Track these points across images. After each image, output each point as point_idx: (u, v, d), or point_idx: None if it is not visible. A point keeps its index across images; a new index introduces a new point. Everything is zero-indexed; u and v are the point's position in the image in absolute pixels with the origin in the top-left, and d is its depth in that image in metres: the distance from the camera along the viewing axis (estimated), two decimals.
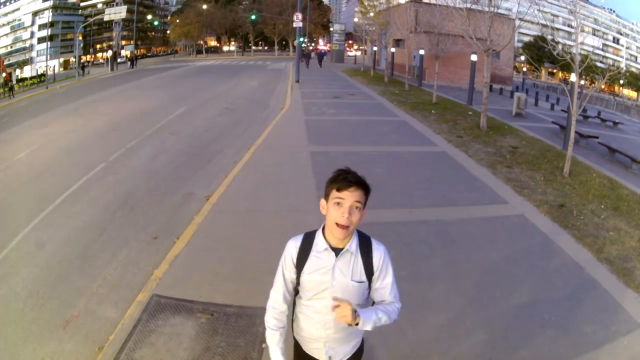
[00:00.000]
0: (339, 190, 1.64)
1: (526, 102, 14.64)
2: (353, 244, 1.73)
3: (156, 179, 7.50)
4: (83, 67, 40.54)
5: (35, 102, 20.30)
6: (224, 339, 3.26)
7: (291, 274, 1.80)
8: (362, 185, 1.65)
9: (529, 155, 8.51)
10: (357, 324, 1.63)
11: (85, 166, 8.19)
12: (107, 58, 43.46)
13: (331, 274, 1.72)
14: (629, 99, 48.20)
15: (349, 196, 1.63)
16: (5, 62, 42.24)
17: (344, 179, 1.64)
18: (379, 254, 1.76)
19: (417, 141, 9.79)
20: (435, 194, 6.38)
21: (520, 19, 11.51)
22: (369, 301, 1.82)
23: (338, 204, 1.64)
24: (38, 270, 4.64)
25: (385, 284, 1.78)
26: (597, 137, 10.41)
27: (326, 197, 1.70)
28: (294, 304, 1.89)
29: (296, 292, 1.85)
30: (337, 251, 1.72)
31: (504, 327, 3.44)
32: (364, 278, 1.74)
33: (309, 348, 1.87)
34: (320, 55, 37.00)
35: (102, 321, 3.70)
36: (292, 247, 1.78)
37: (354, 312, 1.61)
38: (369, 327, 1.68)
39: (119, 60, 45.94)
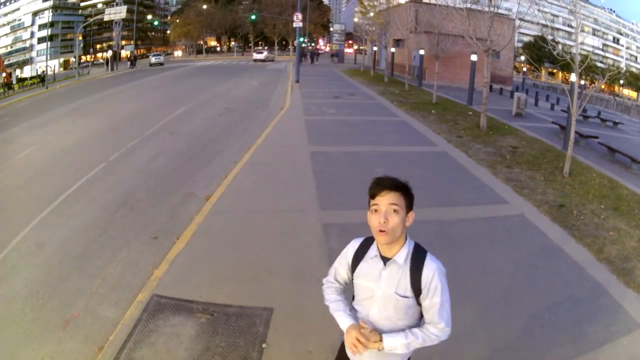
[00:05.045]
0: (372, 197, 1.66)
1: (526, 102, 14.64)
2: (402, 256, 1.69)
3: (156, 179, 7.49)
4: (107, 62, 39.99)
5: (35, 102, 20.29)
6: (224, 339, 3.26)
7: (343, 272, 1.84)
8: (396, 187, 1.64)
9: (529, 155, 8.51)
10: (381, 349, 1.65)
11: (85, 166, 8.19)
12: (106, 58, 43.19)
13: (376, 283, 1.71)
14: (629, 99, 48.15)
15: (383, 201, 1.63)
16: (5, 62, 42.13)
17: (376, 185, 1.66)
18: (429, 270, 1.67)
19: (417, 141, 9.79)
20: (435, 194, 6.37)
21: (520, 19, 11.50)
22: (420, 320, 1.76)
23: (375, 210, 1.65)
24: (38, 271, 4.64)
25: (432, 304, 1.67)
26: (597, 137, 10.41)
27: (368, 208, 1.71)
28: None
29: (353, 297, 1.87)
30: (386, 260, 1.71)
31: (503, 327, 3.45)
32: (409, 293, 1.68)
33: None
34: (312, 55, 41.94)
35: (102, 321, 3.70)
36: (351, 247, 1.82)
37: (379, 336, 1.65)
38: (399, 351, 1.68)
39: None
